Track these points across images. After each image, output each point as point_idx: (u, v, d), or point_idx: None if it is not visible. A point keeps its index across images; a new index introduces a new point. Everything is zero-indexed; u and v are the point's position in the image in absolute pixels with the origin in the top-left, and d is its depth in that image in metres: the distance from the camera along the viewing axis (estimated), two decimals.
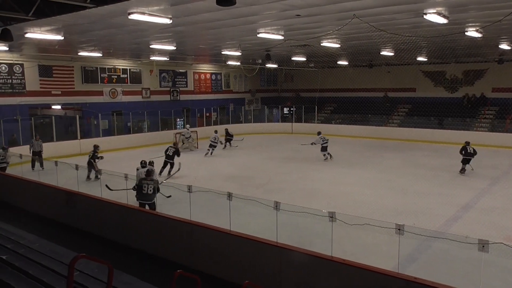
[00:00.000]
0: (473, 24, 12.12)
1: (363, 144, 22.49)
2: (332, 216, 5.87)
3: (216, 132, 19.97)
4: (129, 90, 24.17)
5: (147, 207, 9.30)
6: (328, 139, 17.81)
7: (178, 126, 25.66)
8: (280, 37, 13.92)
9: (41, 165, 15.49)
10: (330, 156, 17.82)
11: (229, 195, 7.04)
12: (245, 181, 14.04)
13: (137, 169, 11.01)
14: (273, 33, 13.42)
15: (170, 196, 10.51)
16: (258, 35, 13.38)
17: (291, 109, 30.27)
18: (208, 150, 19.30)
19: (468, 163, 14.83)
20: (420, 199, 11.61)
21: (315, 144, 18.00)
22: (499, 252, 5.00)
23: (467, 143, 15.10)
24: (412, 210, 10.51)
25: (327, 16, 10.87)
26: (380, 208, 10.66)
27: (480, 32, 13.07)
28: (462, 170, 14.82)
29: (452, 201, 11.33)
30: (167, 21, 10.16)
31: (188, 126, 22.40)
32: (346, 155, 19.37)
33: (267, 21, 11.69)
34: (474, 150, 14.82)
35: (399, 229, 5.30)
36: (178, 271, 4.89)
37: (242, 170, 15.91)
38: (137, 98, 24.75)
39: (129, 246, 8.51)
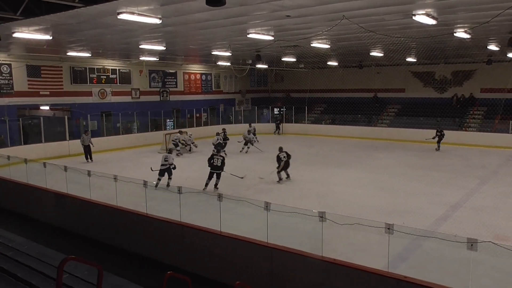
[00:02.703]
0: (462, 25, 12.23)
1: (353, 144, 22.59)
2: (322, 216, 5.89)
3: (250, 126, 20.60)
4: (118, 90, 24.00)
5: (215, 176, 12.76)
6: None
7: (168, 127, 25.55)
8: (270, 38, 13.92)
9: (90, 157, 17.94)
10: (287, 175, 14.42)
11: (219, 196, 7.02)
12: (235, 182, 14.00)
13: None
14: (263, 34, 13.42)
15: (243, 177, 13.68)
16: (248, 36, 13.38)
17: (281, 109, 30.31)
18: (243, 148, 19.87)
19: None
20: (410, 199, 11.69)
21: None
22: (488, 250, 5.06)
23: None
24: (402, 210, 10.58)
25: (317, 17, 10.90)
26: (370, 207, 10.71)
27: (469, 33, 13.20)
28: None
29: (441, 200, 11.42)
30: (156, 21, 10.11)
31: (179, 130, 22.08)
32: (337, 155, 19.45)
33: (257, 21, 11.69)
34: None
35: (389, 229, 5.34)
36: (169, 272, 4.86)
37: (232, 171, 15.85)
38: (127, 98, 24.59)
39: (119, 247, 8.46)
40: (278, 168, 13.96)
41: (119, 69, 23.97)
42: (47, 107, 21.23)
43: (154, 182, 11.29)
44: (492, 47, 17.49)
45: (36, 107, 20.77)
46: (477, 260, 5.57)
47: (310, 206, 9.60)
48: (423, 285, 5.04)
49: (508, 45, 14.06)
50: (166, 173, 13.02)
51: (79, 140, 18.52)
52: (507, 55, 20.67)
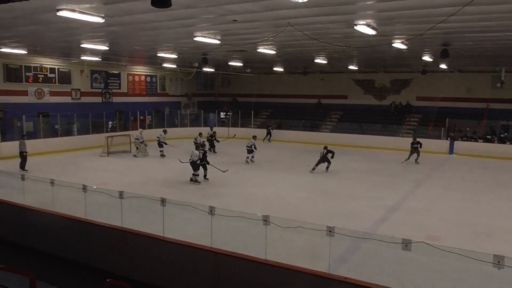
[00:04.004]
0: (399, 36, 12.89)
1: (298, 149, 23.03)
2: (266, 220, 5.94)
3: (254, 138, 19.10)
4: (57, 90, 22.88)
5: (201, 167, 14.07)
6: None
7: (110, 130, 24.76)
8: (217, 42, 13.92)
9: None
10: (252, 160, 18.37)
11: (163, 201, 6.90)
12: (181, 186, 13.83)
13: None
14: (210, 37, 13.38)
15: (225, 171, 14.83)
16: (195, 39, 13.28)
17: (228, 113, 30.31)
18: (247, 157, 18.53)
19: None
20: (351, 202, 12.09)
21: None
22: (421, 250, 5.33)
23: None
24: (344, 213, 10.91)
25: (263, 23, 11.05)
26: (314, 211, 10.96)
27: (406, 44, 13.94)
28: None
29: (380, 203, 11.91)
30: (99, 20, 9.80)
31: (141, 130, 21.42)
32: (282, 159, 19.73)
33: (204, 25, 11.64)
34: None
35: (330, 231, 5.48)
36: (108, 280, 4.69)
37: (179, 175, 15.63)
38: (66, 99, 23.51)
39: (56, 255, 8.05)
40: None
41: (58, 68, 22.88)
42: None
43: (95, 186, 10.86)
44: (427, 58, 18.55)
45: None
46: (412, 260, 5.86)
47: (256, 210, 9.64)
48: (362, 285, 5.22)
49: (441, 56, 14.98)
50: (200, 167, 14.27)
51: (18, 143, 16.40)
52: (440, 66, 22.07)
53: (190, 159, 14.33)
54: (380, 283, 5.24)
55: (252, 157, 18.48)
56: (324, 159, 16.40)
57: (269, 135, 26.51)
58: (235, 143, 22.47)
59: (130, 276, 6.80)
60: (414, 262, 6.82)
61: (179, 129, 27.62)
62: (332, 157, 16.44)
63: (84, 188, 8.30)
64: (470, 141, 22.84)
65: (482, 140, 22.67)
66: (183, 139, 24.06)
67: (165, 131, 20.50)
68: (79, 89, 24.18)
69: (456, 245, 5.25)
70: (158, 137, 20.02)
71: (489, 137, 22.64)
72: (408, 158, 18.48)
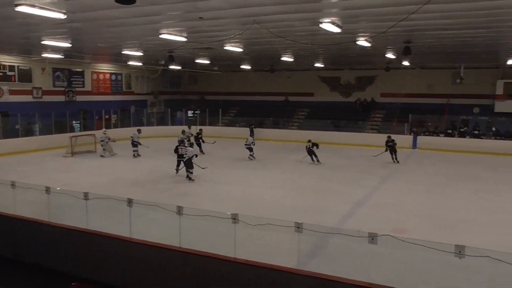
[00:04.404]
0: (363, 34, 13.13)
1: (267, 147, 23.11)
2: (235, 218, 5.93)
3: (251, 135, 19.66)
4: (17, 89, 22.01)
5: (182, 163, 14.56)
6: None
7: (79, 129, 24.10)
8: (183, 39, 13.77)
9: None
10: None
11: (129, 201, 6.77)
12: (149, 186, 13.62)
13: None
14: (176, 35, 13.22)
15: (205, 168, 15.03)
16: (160, 36, 13.09)
17: (196, 112, 30.05)
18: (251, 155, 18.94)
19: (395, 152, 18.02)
20: (319, 198, 12.25)
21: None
22: (387, 243, 5.46)
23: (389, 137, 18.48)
24: (312, 208, 11.04)
25: (229, 20, 11.01)
26: (283, 207, 11.03)
27: (369, 42, 14.22)
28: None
29: (348, 198, 12.12)
30: (60, 16, 9.49)
31: (104, 130, 20.87)
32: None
33: (170, 22, 11.50)
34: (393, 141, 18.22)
35: (298, 227, 5.53)
36: (73, 283, 4.57)
37: (146, 175, 15.41)
38: (27, 98, 22.64)
39: (17, 259, 7.77)
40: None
41: (18, 66, 22.01)
42: None
43: (58, 188, 10.55)
44: (390, 55, 19.01)
45: None
46: (378, 253, 5.98)
47: (226, 209, 9.59)
48: (330, 279, 5.30)
49: (403, 54, 15.38)
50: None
51: None
52: (402, 63, 22.65)
53: (184, 157, 14.48)
54: (348, 277, 5.33)
55: (251, 154, 18.98)
56: (310, 152, 17.73)
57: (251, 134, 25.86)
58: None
59: (96, 278, 6.64)
60: (381, 255, 6.97)
61: (146, 127, 27.12)
62: (317, 148, 17.94)
63: (47, 189, 8.04)
64: (432, 135, 23.61)
65: (443, 135, 23.46)
66: (150, 138, 23.66)
67: (139, 130, 19.92)
68: (41, 88, 23.37)
69: (421, 237, 5.40)
70: (132, 137, 19.45)
71: (450, 131, 23.45)
72: (380, 153, 18.37)
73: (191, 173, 14.28)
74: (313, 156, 17.73)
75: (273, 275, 5.58)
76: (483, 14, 10.08)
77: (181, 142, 15.63)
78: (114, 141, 19.95)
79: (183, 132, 20.16)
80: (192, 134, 20.89)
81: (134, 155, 19.12)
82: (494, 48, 16.75)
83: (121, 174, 15.57)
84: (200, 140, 20.53)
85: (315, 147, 17.83)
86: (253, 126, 26.55)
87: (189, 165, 14.31)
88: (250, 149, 18.80)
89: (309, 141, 18.13)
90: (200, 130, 21.33)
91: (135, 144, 19.19)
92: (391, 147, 18.21)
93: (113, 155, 19.50)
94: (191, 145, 15.97)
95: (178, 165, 15.17)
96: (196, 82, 33.57)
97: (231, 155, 20.06)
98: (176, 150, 15.14)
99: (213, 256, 6.08)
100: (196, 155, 14.64)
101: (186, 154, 14.45)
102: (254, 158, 18.84)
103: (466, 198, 12.41)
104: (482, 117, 24.05)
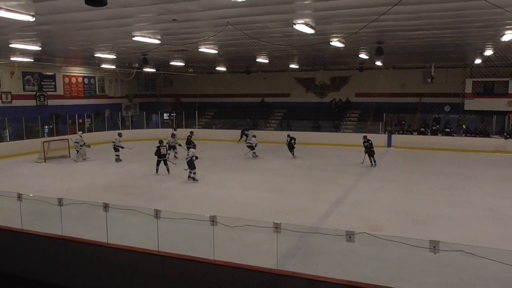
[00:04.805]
0: (337, 35, 13.31)
1: (244, 148, 23.06)
2: (213, 220, 5.92)
3: (254, 136, 20.29)
4: None
5: (162, 162, 15.70)
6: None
7: (46, 134, 23.53)
8: (157, 41, 13.65)
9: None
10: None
11: (105, 206, 6.66)
12: (125, 190, 13.42)
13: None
14: (149, 37, 13.10)
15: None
16: (133, 38, 12.94)
17: (171, 114, 29.79)
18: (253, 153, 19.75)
19: (372, 155, 17.42)
20: (297, 198, 12.33)
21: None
22: (364, 241, 5.54)
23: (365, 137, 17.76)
24: (291, 209, 11.11)
25: (203, 22, 10.99)
26: (262, 208, 11.05)
27: (342, 42, 14.42)
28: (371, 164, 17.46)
29: (325, 197, 12.24)
30: (29, 18, 9.27)
31: (80, 132, 20.41)
32: (228, 159, 19.72)
33: (143, 24, 11.38)
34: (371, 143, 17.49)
35: (276, 228, 5.56)
36: None
37: (122, 179, 15.19)
38: None
39: None
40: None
41: None
42: None
43: (31, 194, 10.29)
44: (363, 55, 19.31)
45: None
46: (356, 250, 6.07)
47: (203, 211, 9.57)
48: (309, 278, 5.34)
49: (376, 54, 15.66)
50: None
51: None
52: (375, 63, 23.06)
53: (186, 158, 14.71)
54: (326, 275, 5.39)
55: (254, 152, 19.83)
56: (289, 146, 19.57)
57: (244, 137, 25.16)
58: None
59: (73, 285, 6.52)
60: (359, 253, 7.07)
61: (121, 131, 26.74)
62: (294, 142, 19.65)
63: (19, 196, 7.83)
64: (406, 134, 24.08)
65: (416, 133, 23.97)
66: (126, 142, 23.31)
67: (120, 134, 19.51)
68: (10, 92, 22.73)
69: (397, 234, 5.54)
70: (113, 142, 18.95)
71: (422, 129, 23.97)
72: (364, 157, 17.55)
73: (195, 173, 14.56)
74: (291, 149, 19.60)
75: (253, 276, 5.60)
76: (450, 15, 10.37)
77: (161, 142, 16.18)
78: (89, 147, 19.58)
79: (174, 135, 19.75)
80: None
81: (116, 160, 18.74)
82: (462, 48, 17.24)
83: (96, 178, 15.30)
84: (192, 144, 19.70)
85: (293, 141, 19.68)
86: (245, 130, 25.89)
87: (191, 166, 14.50)
88: (252, 148, 19.85)
89: (288, 135, 20.02)
90: (191, 132, 20.43)
91: (117, 148, 18.80)
92: (367, 147, 17.60)
93: (85, 159, 19.15)
94: (194, 146, 15.94)
95: (158, 164, 15.81)
96: (171, 85, 33.30)
97: (207, 157, 19.95)
98: (158, 151, 15.77)
99: (192, 259, 6.05)
100: (197, 157, 14.73)
101: (188, 155, 14.79)
102: (257, 156, 19.90)
103: (439, 194, 12.70)
104: (453, 115, 24.69)
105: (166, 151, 16.69)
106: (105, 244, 6.65)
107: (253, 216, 8.75)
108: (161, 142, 16.27)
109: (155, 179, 15.02)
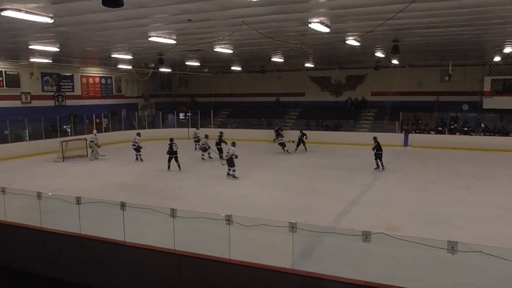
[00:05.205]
0: (352, 33, 13.20)
1: (258, 147, 23.13)
2: (229, 219, 5.94)
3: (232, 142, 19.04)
4: (5, 94, 21.80)
5: (173, 159, 16.42)
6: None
7: (70, 133, 23.92)
8: (172, 42, 13.74)
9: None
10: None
11: (122, 205, 6.75)
12: (141, 189, 13.56)
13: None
14: (165, 37, 13.19)
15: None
16: (149, 39, 13.05)
17: (187, 114, 29.99)
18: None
19: (380, 158, 16.39)
20: (312, 197, 12.28)
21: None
22: (381, 241, 5.50)
23: (375, 139, 16.83)
24: (305, 208, 11.07)
25: (218, 21, 11.01)
26: (276, 207, 11.04)
27: (358, 41, 14.30)
28: (378, 167, 16.38)
29: (340, 197, 12.17)
30: (48, 20, 9.42)
31: (95, 131, 20.68)
32: (243, 158, 19.66)
33: (158, 24, 11.47)
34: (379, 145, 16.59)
35: (292, 227, 5.55)
36: None
37: (138, 178, 15.35)
38: (16, 103, 22.43)
39: (8, 266, 7.70)
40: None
41: (5, 71, 21.79)
42: None
43: (50, 193, 10.49)
44: (379, 54, 19.12)
45: None
46: (372, 250, 6.03)
47: (217, 210, 9.62)
48: (325, 278, 5.33)
49: (392, 52, 15.48)
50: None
51: None
52: (392, 62, 22.81)
53: (226, 156, 15.11)
54: (342, 275, 5.37)
55: (287, 150, 20.60)
56: (300, 141, 20.90)
57: (280, 137, 23.57)
58: (191, 143, 22.27)
59: (91, 283, 6.62)
60: (375, 253, 7.02)
61: (137, 131, 26.98)
62: (306, 138, 21.00)
63: (39, 195, 7.99)
64: (423, 133, 23.78)
65: (434, 132, 23.65)
66: (142, 141, 23.53)
67: (139, 134, 19.46)
68: (30, 93, 23.17)
69: (413, 234, 5.48)
70: (136, 142, 18.94)
71: (440, 128, 23.65)
72: (378, 165, 16.43)
73: (234, 170, 14.89)
74: (303, 144, 20.99)
75: (269, 275, 5.60)
76: (468, 12, 10.19)
77: (172, 140, 16.88)
78: (99, 147, 19.80)
79: (207, 136, 19.59)
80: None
81: (136, 159, 18.81)
82: (481, 45, 16.93)
83: (112, 177, 15.49)
84: (222, 144, 19.19)
85: (304, 137, 20.98)
86: (278, 129, 25.28)
87: (231, 163, 14.86)
88: (284, 145, 20.58)
89: (301, 131, 21.31)
90: (221, 133, 20.05)
91: (138, 148, 18.87)
92: (376, 149, 16.51)
93: (97, 158, 19.43)
94: (233, 144, 15.68)
95: (169, 161, 16.53)
96: (187, 85, 33.50)
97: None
98: (170, 149, 16.48)
99: (208, 258, 6.09)
100: (237, 156, 15.05)
101: (228, 153, 15.14)
102: (289, 153, 20.51)
103: (456, 193, 12.52)
104: (471, 114, 24.28)
105: (177, 148, 16.95)
106: (122, 243, 6.73)
107: (268, 215, 8.75)
108: (172, 140, 16.92)
109: (171, 178, 15.13)
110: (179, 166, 16.37)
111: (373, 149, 16.58)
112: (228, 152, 15.12)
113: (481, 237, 8.42)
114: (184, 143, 21.90)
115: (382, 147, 16.63)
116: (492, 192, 12.77)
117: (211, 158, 19.08)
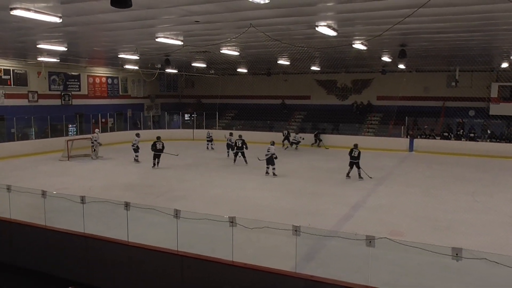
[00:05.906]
0: (359, 37, 13.19)
1: (263, 150, 23.02)
2: (232, 221, 5.94)
3: (231, 134, 20.40)
4: (12, 93, 21.94)
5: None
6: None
7: (70, 133, 24.01)
8: (179, 43, 13.78)
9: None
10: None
11: (127, 205, 6.76)
12: (145, 189, 13.58)
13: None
14: (172, 38, 13.24)
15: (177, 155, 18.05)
16: (156, 40, 13.10)
17: (192, 115, 30.03)
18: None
19: (352, 166, 15.11)
20: (316, 200, 12.25)
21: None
22: (384, 246, 5.47)
23: (355, 146, 15.37)
24: (309, 211, 11.04)
25: (225, 23, 11.04)
26: (279, 210, 11.02)
27: (365, 45, 14.28)
28: (347, 175, 15.19)
29: (344, 201, 12.13)
30: (56, 19, 9.48)
31: (97, 130, 20.79)
32: (248, 160, 19.72)
33: (166, 25, 11.52)
34: (358, 153, 15.08)
35: (296, 230, 5.54)
36: (69, 287, 4.56)
37: (142, 178, 15.38)
38: (23, 102, 22.56)
39: (13, 264, 7.73)
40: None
41: (13, 70, 21.94)
42: None
43: (55, 192, 10.53)
44: (386, 58, 19.07)
45: None
46: (376, 255, 6.00)
47: (221, 212, 9.61)
48: (328, 282, 5.30)
49: (399, 57, 15.44)
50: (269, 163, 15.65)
51: None
52: (398, 66, 22.75)
53: (266, 155, 15.71)
54: (345, 280, 5.34)
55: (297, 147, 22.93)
56: (316, 136, 23.78)
57: (319, 141, 24.89)
58: (196, 144, 22.30)
59: (93, 282, 6.63)
60: (379, 258, 6.99)
61: (142, 131, 27.03)
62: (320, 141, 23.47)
63: (43, 193, 8.03)
64: (429, 138, 23.66)
65: (439, 137, 23.53)
66: (147, 142, 23.60)
67: (137, 135, 19.35)
68: (37, 91, 23.30)
69: (417, 239, 5.44)
70: (134, 143, 18.90)
71: (446, 134, 23.52)
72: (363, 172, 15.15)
73: (274, 168, 15.56)
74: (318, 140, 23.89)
75: (271, 278, 5.59)
76: (476, 17, 10.15)
77: (158, 138, 17.59)
78: (100, 145, 19.94)
79: (231, 134, 20.44)
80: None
81: (135, 160, 18.90)
82: (489, 51, 16.86)
83: (117, 177, 15.54)
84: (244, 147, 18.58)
85: (319, 136, 23.96)
86: (318, 133, 25.25)
87: (271, 162, 15.57)
88: (297, 143, 22.88)
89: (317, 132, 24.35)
90: (240, 136, 19.19)
91: (137, 149, 18.88)
92: (353, 158, 15.18)
93: (98, 157, 19.56)
94: (272, 143, 16.54)
95: (154, 158, 17.17)
96: (193, 86, 33.57)
97: (225, 158, 20.04)
98: (154, 146, 17.17)
99: (211, 259, 6.09)
100: (276, 156, 15.60)
101: (268, 152, 15.74)
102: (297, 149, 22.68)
103: (462, 200, 12.44)
104: (478, 120, 24.15)
105: (162, 146, 17.47)
106: (125, 243, 6.75)
107: (271, 218, 8.73)
108: (158, 138, 17.61)
109: (176, 179, 15.14)
110: (157, 163, 17.16)
111: (350, 154, 15.24)
112: (268, 151, 15.71)
113: (486, 244, 8.35)
114: (189, 145, 21.95)
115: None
116: (497, 199, 12.68)
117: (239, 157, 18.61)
